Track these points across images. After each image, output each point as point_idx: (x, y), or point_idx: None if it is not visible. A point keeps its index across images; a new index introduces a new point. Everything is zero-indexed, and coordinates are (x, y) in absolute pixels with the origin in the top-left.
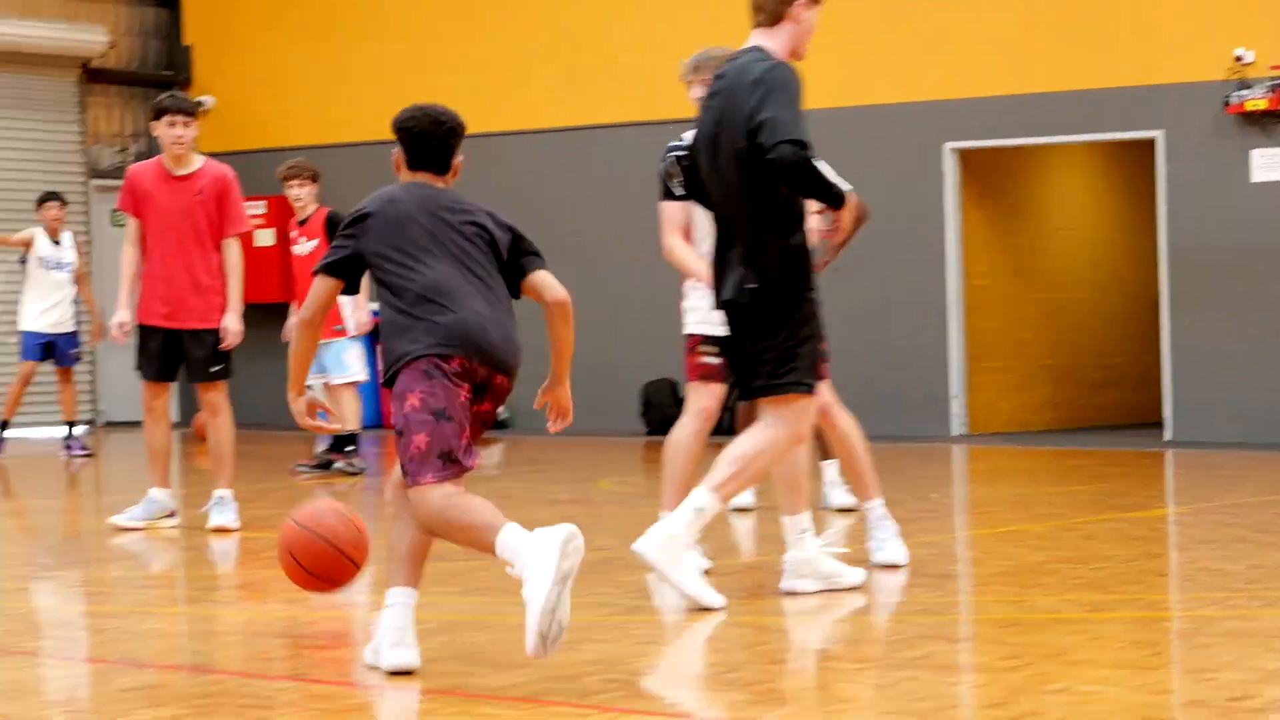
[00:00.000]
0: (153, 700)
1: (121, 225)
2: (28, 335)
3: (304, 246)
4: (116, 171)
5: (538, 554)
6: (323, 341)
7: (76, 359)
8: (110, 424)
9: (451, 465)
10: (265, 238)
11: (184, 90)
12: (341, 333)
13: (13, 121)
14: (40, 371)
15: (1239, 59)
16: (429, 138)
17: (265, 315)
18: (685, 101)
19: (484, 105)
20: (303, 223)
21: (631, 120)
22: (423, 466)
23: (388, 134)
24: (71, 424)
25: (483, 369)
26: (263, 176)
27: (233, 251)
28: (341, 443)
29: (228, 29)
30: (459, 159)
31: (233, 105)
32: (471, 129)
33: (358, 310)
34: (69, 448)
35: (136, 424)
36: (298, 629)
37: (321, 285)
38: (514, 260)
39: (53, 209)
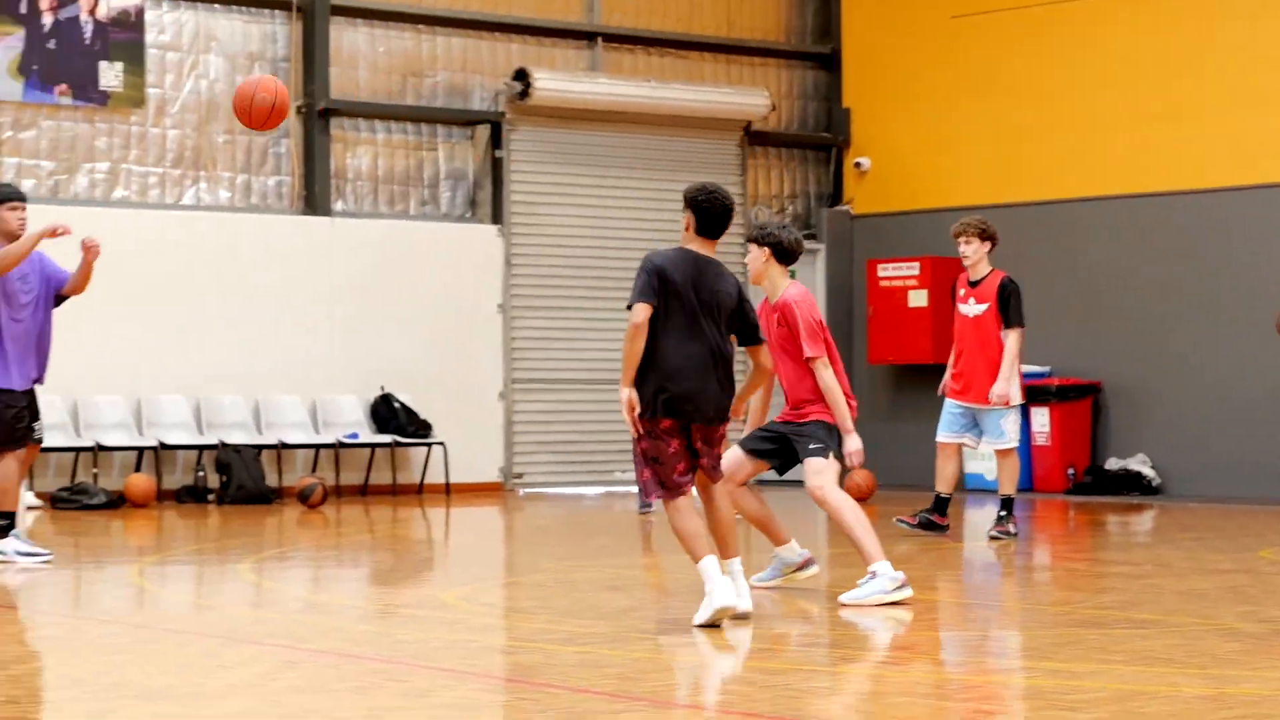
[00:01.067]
0: None
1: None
2: None
3: (973, 308)
4: None
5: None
6: (984, 408)
7: None
8: None
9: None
10: (918, 299)
11: (842, 152)
12: (1004, 401)
13: (675, 181)
14: None
15: None
16: None
17: (916, 375)
18: None
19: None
20: (974, 284)
21: None
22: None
23: (1055, 193)
24: None
25: None
26: (915, 237)
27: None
28: (1004, 507)
29: (886, 90)
30: None
31: (889, 166)
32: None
33: (1015, 379)
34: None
35: None
36: (961, 693)
37: None
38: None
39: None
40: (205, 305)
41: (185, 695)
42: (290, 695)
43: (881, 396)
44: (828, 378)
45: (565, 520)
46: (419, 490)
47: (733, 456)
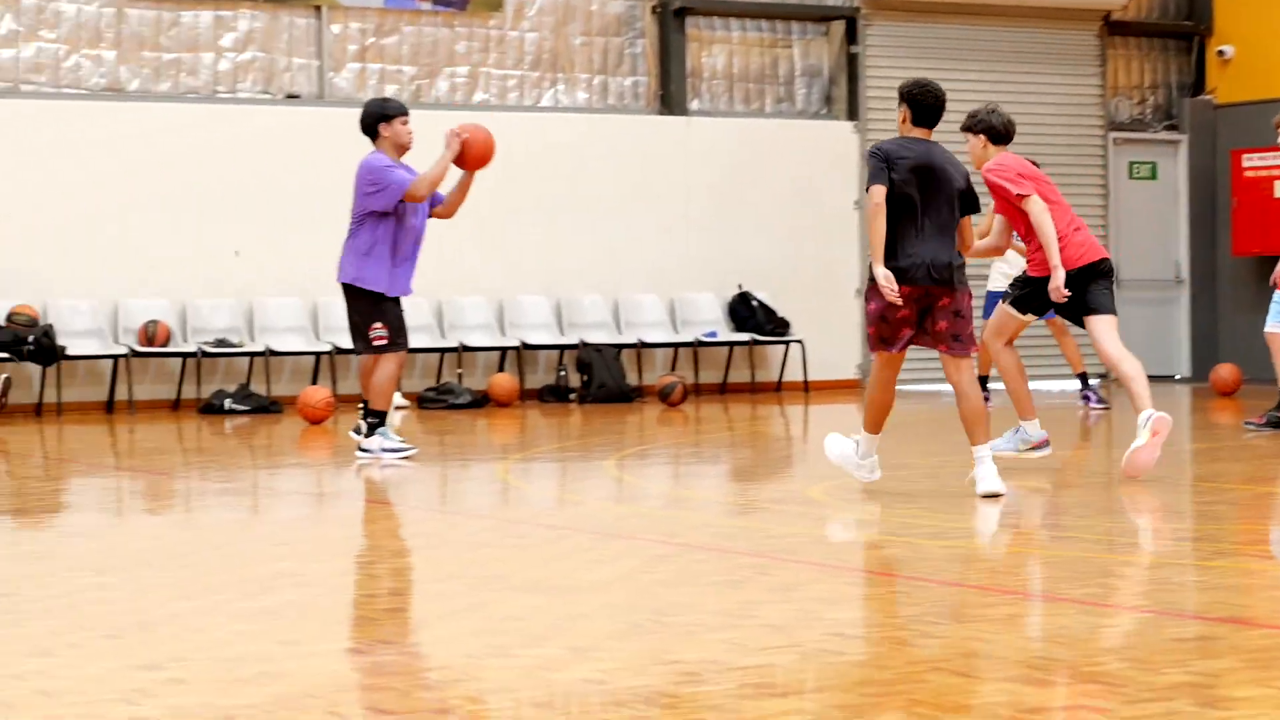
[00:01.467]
0: (1204, 652)
1: (1141, 177)
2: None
3: None
4: (1135, 124)
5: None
6: None
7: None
8: None
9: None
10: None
11: (1204, 40)
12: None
13: (1033, 75)
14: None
15: None
16: None
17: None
18: None
19: None
20: None
21: None
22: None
23: None
24: (1084, 376)
25: None
26: None
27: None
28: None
29: None
30: None
31: (1253, 53)
32: None
33: None
34: (1086, 399)
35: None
36: None
37: None
38: None
39: None
40: (564, 206)
41: (559, 588)
42: (662, 589)
43: (1245, 289)
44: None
45: (926, 416)
46: (777, 388)
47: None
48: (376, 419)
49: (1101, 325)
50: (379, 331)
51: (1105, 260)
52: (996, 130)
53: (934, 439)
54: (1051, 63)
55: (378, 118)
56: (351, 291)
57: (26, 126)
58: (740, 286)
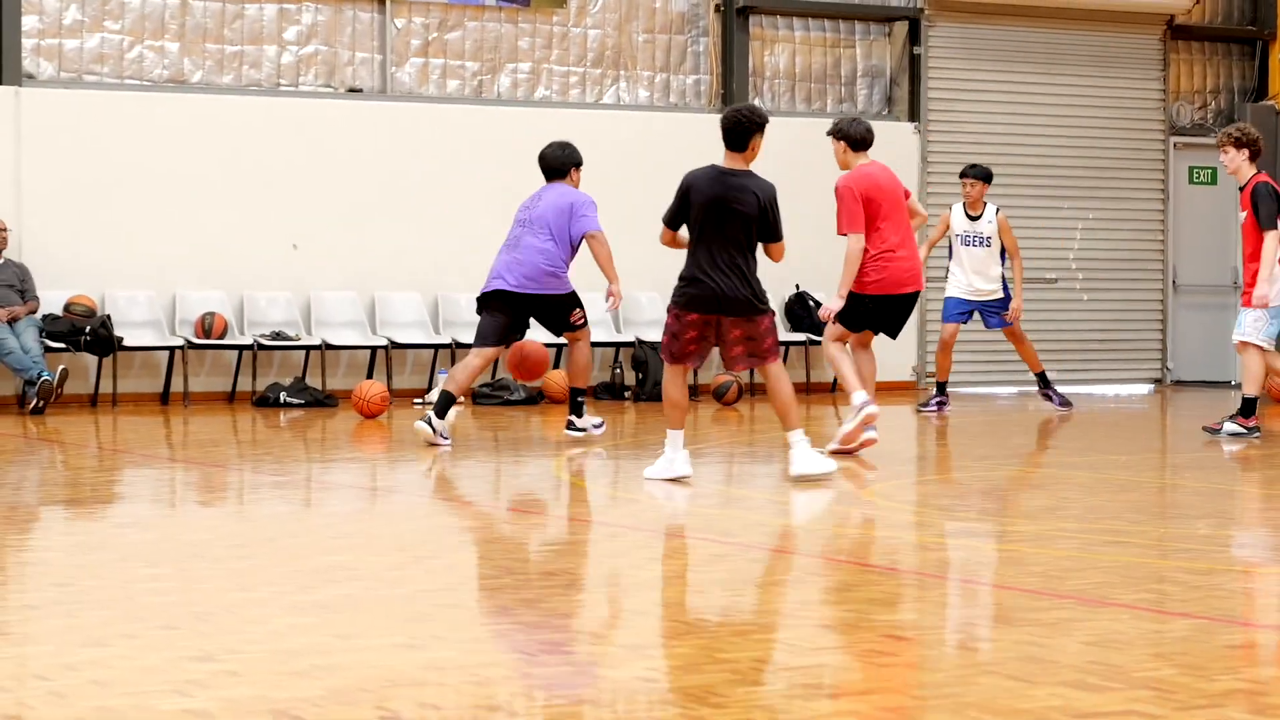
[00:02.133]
0: (1257, 660)
1: (1201, 182)
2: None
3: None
4: (1196, 129)
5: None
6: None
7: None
8: (1179, 382)
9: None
10: None
11: (1268, 45)
12: (1264, 304)
13: (1094, 79)
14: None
15: None
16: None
17: None
18: None
19: None
20: (1240, 189)
21: None
22: None
23: None
24: (1043, 375)
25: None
26: None
27: None
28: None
29: None
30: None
31: None
32: None
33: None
34: (1048, 398)
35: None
36: None
37: None
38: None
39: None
40: (623, 203)
41: (615, 586)
42: (716, 588)
43: None
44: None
45: (980, 419)
46: (833, 389)
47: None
48: (448, 403)
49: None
50: (579, 313)
51: (908, 294)
52: (853, 138)
53: (988, 442)
54: (1113, 65)
55: (576, 162)
56: (556, 299)
57: (89, 117)
58: (798, 287)
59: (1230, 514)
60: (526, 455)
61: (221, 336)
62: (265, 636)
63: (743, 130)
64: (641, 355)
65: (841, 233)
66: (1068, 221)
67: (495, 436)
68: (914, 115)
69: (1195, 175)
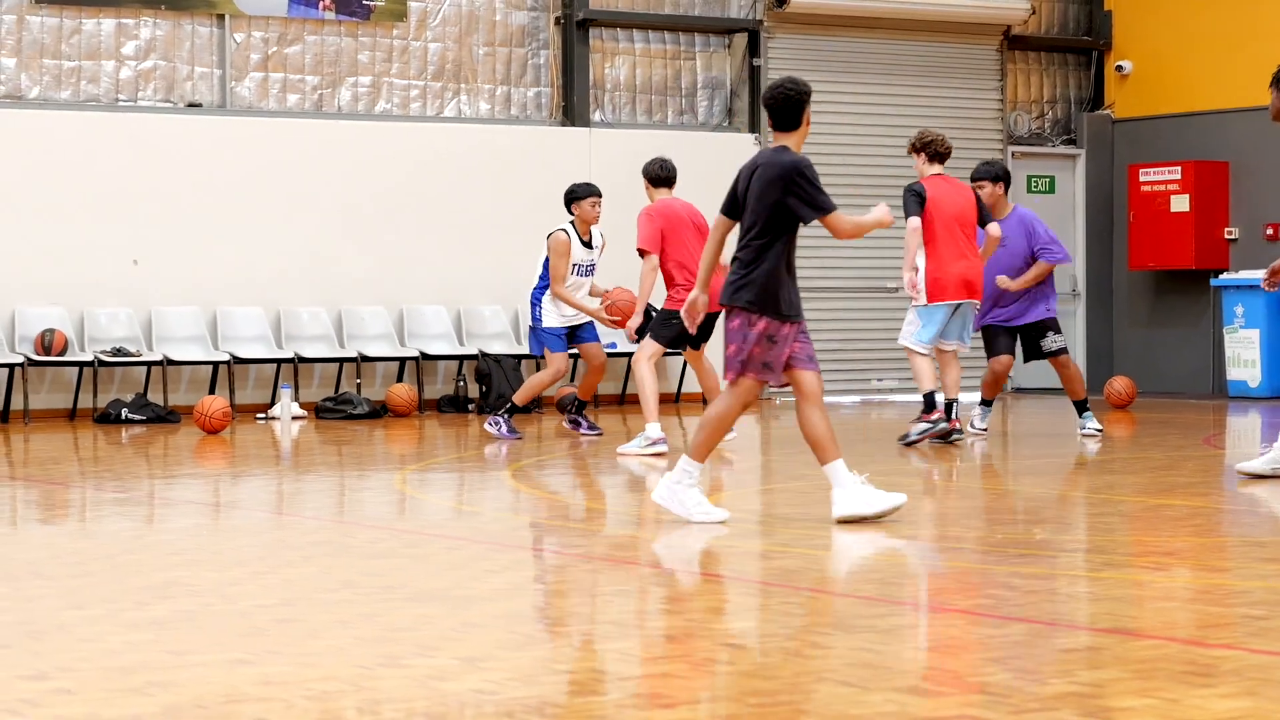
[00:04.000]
0: (1091, 663)
1: (1039, 191)
2: None
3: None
4: (1034, 138)
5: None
6: None
7: None
8: (1019, 390)
9: None
10: (1180, 204)
11: (1103, 55)
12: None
13: (933, 89)
14: None
15: None
16: None
17: (1178, 281)
18: None
19: None
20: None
21: None
22: None
23: None
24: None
25: None
26: (1177, 141)
27: None
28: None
29: None
30: None
31: (1151, 69)
32: None
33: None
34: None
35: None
36: (1230, 597)
37: None
38: None
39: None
40: (464, 216)
41: (452, 598)
42: (557, 599)
43: (1142, 303)
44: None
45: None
46: (676, 399)
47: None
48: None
49: (694, 355)
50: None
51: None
52: (652, 174)
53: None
54: (952, 76)
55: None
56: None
57: None
58: None
59: (1066, 519)
60: (370, 469)
61: (62, 353)
62: (100, 654)
63: (793, 104)
64: (485, 368)
65: (640, 251)
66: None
67: (339, 450)
68: (754, 126)
69: (1034, 184)
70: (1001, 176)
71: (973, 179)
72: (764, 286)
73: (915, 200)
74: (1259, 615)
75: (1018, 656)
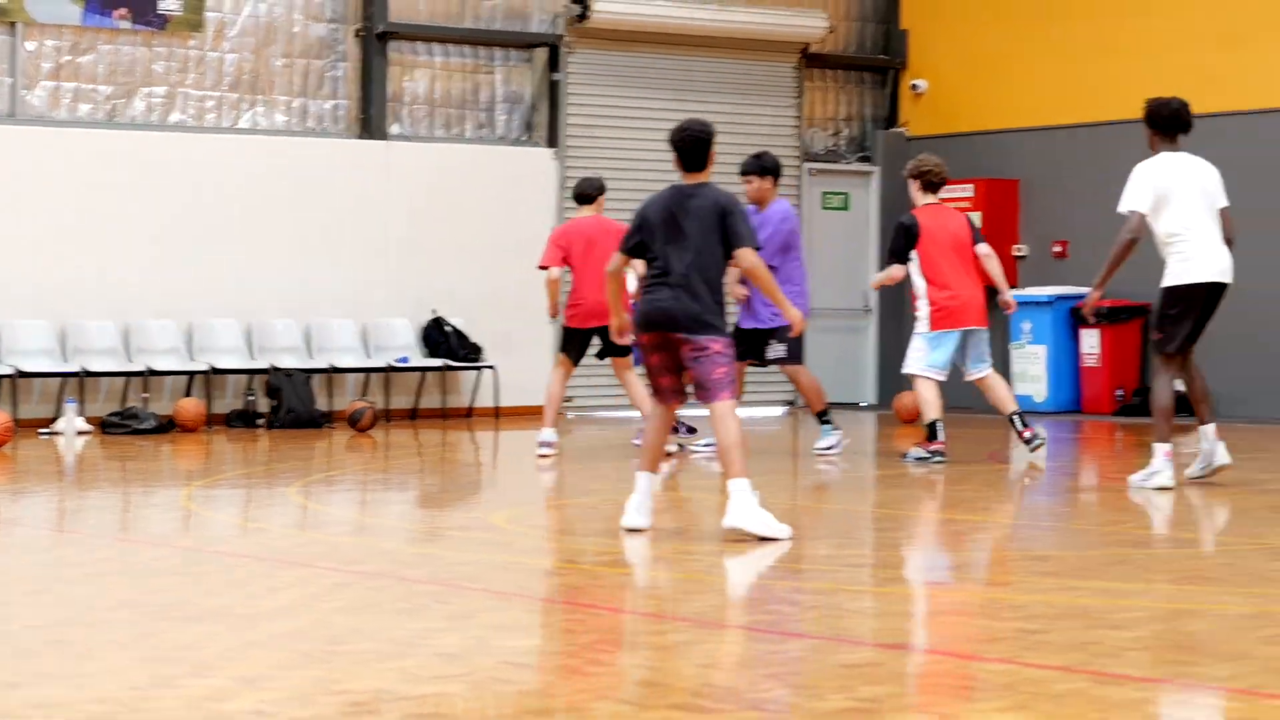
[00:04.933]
0: (869, 678)
1: (834, 208)
2: None
3: None
4: (830, 155)
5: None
6: None
7: None
8: None
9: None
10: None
11: (899, 74)
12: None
13: (731, 105)
14: None
15: None
16: None
17: None
18: None
19: (1211, 82)
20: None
21: None
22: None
23: (1107, 115)
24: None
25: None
26: (970, 159)
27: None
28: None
29: (943, 12)
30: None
31: (945, 88)
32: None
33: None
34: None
35: (837, 405)
36: (1006, 611)
37: None
38: None
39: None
40: (260, 229)
41: (235, 617)
42: (339, 616)
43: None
44: None
45: (613, 444)
46: (468, 414)
47: None
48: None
49: (618, 365)
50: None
51: (591, 329)
52: (576, 192)
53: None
54: (750, 93)
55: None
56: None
57: None
58: (434, 312)
59: (851, 534)
60: (155, 485)
61: None
62: None
63: (700, 144)
64: (276, 382)
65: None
66: None
67: (124, 466)
68: (553, 141)
69: (828, 201)
70: (770, 169)
71: (741, 173)
72: (722, 311)
73: (902, 236)
74: (1034, 629)
75: (797, 672)
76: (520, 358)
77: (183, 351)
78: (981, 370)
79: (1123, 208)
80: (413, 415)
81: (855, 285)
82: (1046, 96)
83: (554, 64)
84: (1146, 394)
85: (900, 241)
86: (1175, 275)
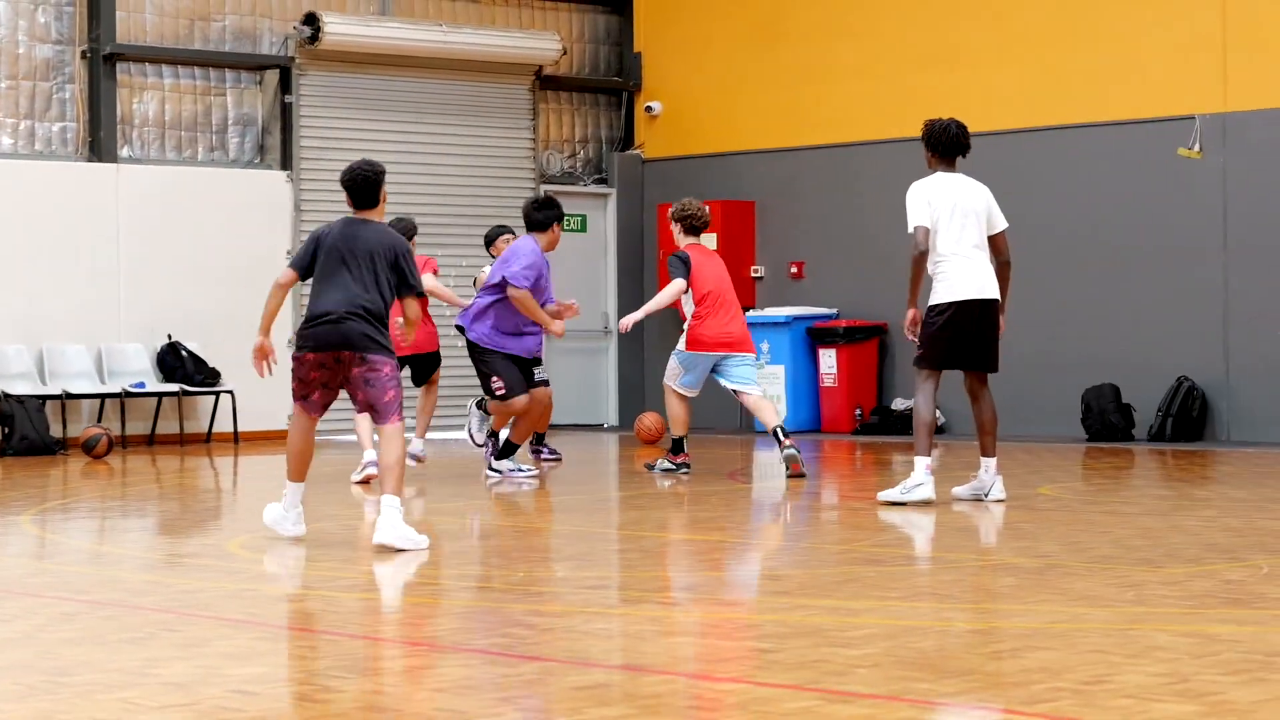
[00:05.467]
0: (601, 700)
1: (572, 230)
2: None
3: None
4: (566, 177)
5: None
6: None
7: None
8: (554, 426)
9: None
10: (708, 242)
11: (634, 96)
12: None
13: (467, 127)
14: None
15: None
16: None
17: None
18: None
19: (953, 104)
20: None
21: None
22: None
23: (835, 137)
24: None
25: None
26: (705, 181)
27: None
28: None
29: (677, 35)
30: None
31: (680, 111)
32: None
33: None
34: (538, 453)
35: (578, 426)
36: (740, 631)
37: None
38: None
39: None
40: None
41: None
42: (65, 647)
43: (672, 339)
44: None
45: (353, 467)
46: (207, 439)
47: None
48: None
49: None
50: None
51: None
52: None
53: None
54: (485, 115)
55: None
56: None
57: None
58: (170, 336)
59: (590, 556)
60: None
61: None
62: None
63: (370, 184)
64: (8, 409)
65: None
66: (448, 269)
67: None
68: (286, 164)
69: (566, 223)
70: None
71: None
72: (388, 337)
73: (681, 265)
74: (767, 649)
75: (529, 695)
76: (259, 382)
77: None
78: (748, 389)
79: (909, 226)
80: (150, 441)
81: (594, 307)
82: (777, 119)
83: (286, 86)
84: (885, 413)
85: (681, 270)
86: (936, 294)
